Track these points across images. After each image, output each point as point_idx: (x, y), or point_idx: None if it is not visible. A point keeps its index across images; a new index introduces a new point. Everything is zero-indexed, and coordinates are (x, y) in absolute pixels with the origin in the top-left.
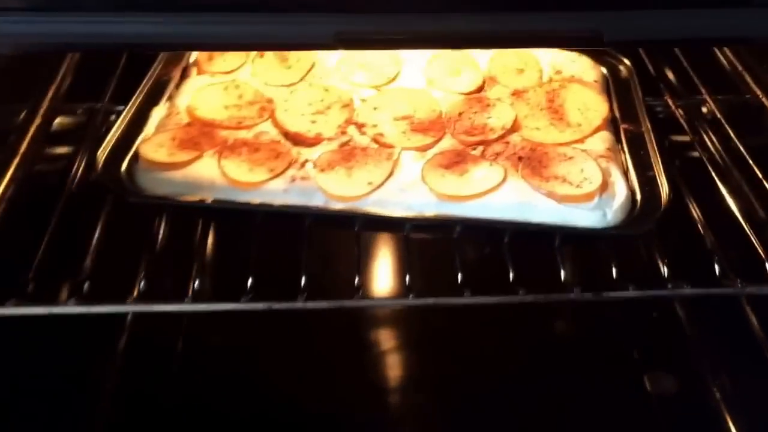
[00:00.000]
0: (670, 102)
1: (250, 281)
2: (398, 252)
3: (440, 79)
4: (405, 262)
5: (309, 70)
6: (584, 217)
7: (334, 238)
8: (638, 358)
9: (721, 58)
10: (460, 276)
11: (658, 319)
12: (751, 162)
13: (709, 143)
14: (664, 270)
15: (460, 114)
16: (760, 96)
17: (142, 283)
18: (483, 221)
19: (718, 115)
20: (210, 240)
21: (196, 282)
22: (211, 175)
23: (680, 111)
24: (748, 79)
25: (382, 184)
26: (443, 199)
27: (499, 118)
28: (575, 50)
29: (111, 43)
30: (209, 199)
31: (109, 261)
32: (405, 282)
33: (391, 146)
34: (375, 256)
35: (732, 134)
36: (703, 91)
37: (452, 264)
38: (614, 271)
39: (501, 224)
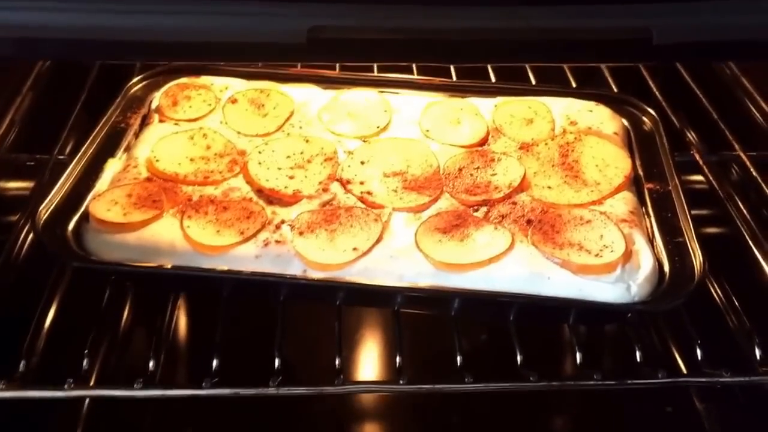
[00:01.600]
0: (697, 158)
1: (215, 362)
2: (387, 329)
3: (438, 130)
4: (395, 341)
5: (287, 119)
6: (604, 291)
7: (313, 313)
8: None
9: (753, 110)
10: (459, 358)
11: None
12: None
13: (742, 206)
14: (698, 353)
15: (460, 170)
16: None
17: (87, 364)
18: (486, 294)
19: (754, 173)
20: (169, 313)
21: (151, 363)
22: (172, 237)
23: (707, 168)
24: None
25: (370, 250)
26: (440, 268)
27: (505, 174)
28: (592, 99)
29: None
30: (168, 265)
31: (57, 337)
32: (395, 364)
33: (380, 206)
34: (360, 333)
35: None
36: (737, 147)
37: (450, 343)
38: (638, 354)
39: (507, 297)
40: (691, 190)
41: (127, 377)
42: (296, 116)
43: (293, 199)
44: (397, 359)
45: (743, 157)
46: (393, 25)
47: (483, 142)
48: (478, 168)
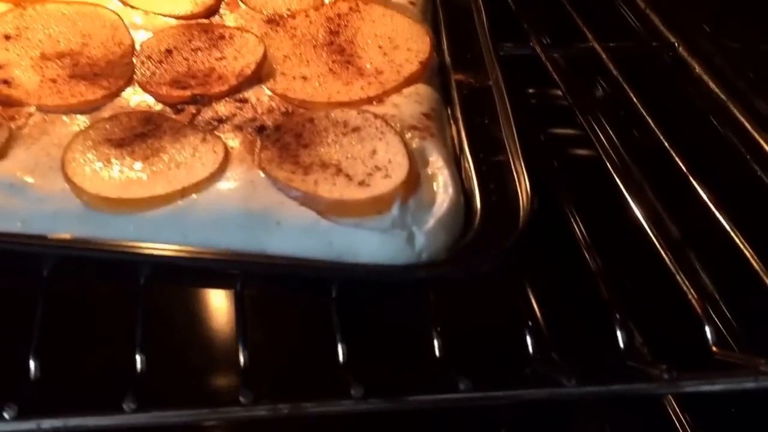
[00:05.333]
0: (538, 50)
1: None
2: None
3: None
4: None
5: None
6: (370, 244)
7: None
8: None
9: None
10: (141, 361)
11: None
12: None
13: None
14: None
15: (168, 51)
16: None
17: None
18: (173, 252)
19: (613, 71)
20: None
21: None
22: None
23: (553, 63)
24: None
25: None
26: (97, 205)
27: (236, 59)
28: None
29: None
30: None
31: None
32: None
33: (20, 103)
34: None
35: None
36: (589, 36)
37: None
38: (437, 347)
39: (204, 258)
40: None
41: None
42: None
43: None
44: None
45: (598, 49)
46: None
47: (212, 12)
48: (198, 49)
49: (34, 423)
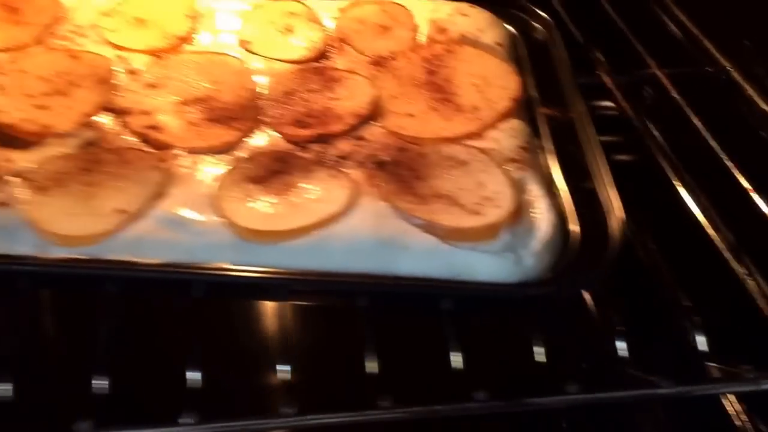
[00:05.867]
0: (605, 79)
1: None
2: (171, 328)
3: (262, 42)
4: (192, 351)
5: (50, 27)
6: (484, 265)
7: (53, 308)
8: None
9: (666, 20)
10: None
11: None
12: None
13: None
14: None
15: (288, 94)
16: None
17: None
18: (315, 276)
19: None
20: None
21: None
22: None
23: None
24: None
25: (144, 211)
26: (248, 237)
27: (350, 99)
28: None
29: None
30: None
31: None
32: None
33: (168, 146)
34: (138, 333)
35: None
36: (651, 63)
37: (255, 350)
38: (536, 353)
39: (348, 281)
40: (599, 117)
41: None
42: (66, 25)
43: (38, 137)
44: (187, 377)
45: (660, 75)
46: None
47: (322, 56)
48: (313, 91)
49: None
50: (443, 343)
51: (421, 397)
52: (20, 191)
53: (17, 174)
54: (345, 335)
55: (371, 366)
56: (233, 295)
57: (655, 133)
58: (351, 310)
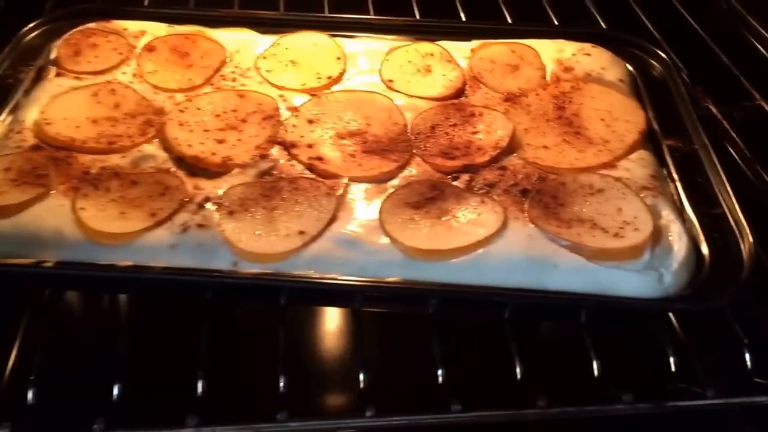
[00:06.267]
0: (715, 111)
1: (115, 390)
2: (346, 334)
3: (403, 80)
4: (358, 355)
5: (218, 70)
6: (629, 282)
7: (247, 317)
8: None
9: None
10: (440, 372)
11: None
12: None
13: None
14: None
15: (432, 128)
16: None
17: None
18: (476, 291)
19: None
20: (53, 327)
21: (30, 394)
22: (59, 222)
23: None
24: None
25: (321, 233)
26: (413, 255)
27: (489, 132)
28: (585, 39)
29: None
30: (51, 261)
31: None
32: (359, 385)
33: (334, 176)
34: (312, 340)
35: None
36: (757, 95)
37: (428, 356)
38: (672, 363)
39: (500, 294)
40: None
41: None
42: (229, 67)
43: (222, 168)
44: (361, 377)
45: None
46: None
47: (459, 93)
48: (454, 125)
49: None
50: (585, 352)
51: (570, 399)
52: (214, 215)
53: (208, 200)
54: (490, 344)
55: (519, 372)
56: (395, 306)
57: None
58: (497, 323)
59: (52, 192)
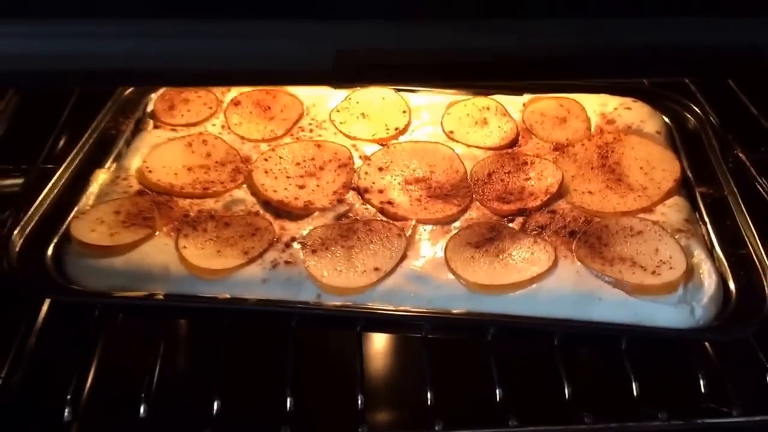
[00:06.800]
0: (743, 158)
1: (216, 405)
2: (415, 358)
3: (462, 131)
4: (425, 376)
5: (296, 122)
6: (664, 314)
7: (329, 343)
8: None
9: None
10: (498, 393)
11: None
12: None
13: None
14: None
15: (489, 175)
16: None
17: (69, 414)
18: (532, 321)
19: None
20: (162, 350)
21: (142, 408)
22: (166, 260)
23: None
24: None
25: (393, 270)
26: (474, 289)
27: (540, 179)
28: (627, 94)
29: None
30: (161, 294)
31: (33, 379)
32: (427, 402)
33: (403, 218)
34: (385, 363)
35: None
36: None
37: (487, 375)
38: (702, 385)
39: (551, 324)
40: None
41: (112, 426)
42: (306, 119)
43: (304, 211)
44: (428, 396)
45: None
46: (428, 45)
47: (513, 143)
48: (509, 172)
49: None
50: (625, 375)
51: (612, 416)
52: (299, 253)
53: (293, 239)
54: (541, 368)
55: (568, 392)
56: (458, 334)
57: None
58: (546, 349)
59: (157, 232)
